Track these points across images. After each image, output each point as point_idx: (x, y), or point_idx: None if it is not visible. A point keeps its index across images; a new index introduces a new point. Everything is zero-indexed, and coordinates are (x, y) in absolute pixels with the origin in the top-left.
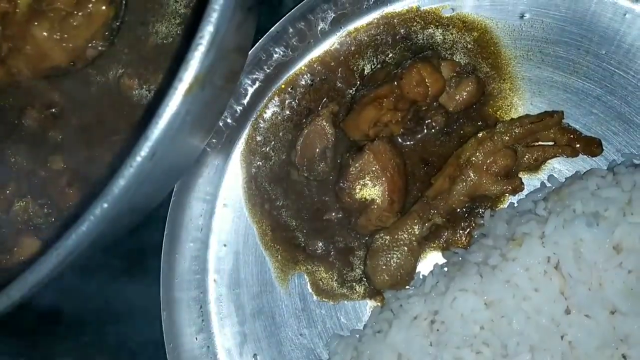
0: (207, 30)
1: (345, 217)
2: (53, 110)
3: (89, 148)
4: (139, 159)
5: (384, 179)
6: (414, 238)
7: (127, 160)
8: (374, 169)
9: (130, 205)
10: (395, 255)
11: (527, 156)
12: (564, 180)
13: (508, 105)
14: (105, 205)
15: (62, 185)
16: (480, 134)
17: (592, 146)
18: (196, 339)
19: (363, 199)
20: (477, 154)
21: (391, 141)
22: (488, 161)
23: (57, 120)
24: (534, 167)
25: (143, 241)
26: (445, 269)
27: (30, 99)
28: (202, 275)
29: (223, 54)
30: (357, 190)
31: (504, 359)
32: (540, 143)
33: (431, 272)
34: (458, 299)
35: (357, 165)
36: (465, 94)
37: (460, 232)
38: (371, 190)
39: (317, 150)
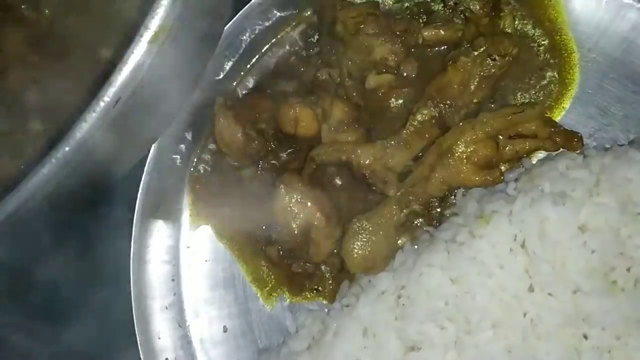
0: None
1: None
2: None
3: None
4: (102, 103)
5: (308, 199)
6: (391, 224)
7: (90, 105)
8: (294, 197)
9: (98, 155)
10: (371, 240)
11: (508, 147)
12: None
13: None
14: (67, 148)
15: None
16: (462, 123)
17: (573, 140)
18: (166, 307)
19: (302, 229)
20: (459, 143)
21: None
22: (469, 150)
23: (37, 83)
24: (516, 160)
25: (118, 209)
26: (416, 246)
27: (11, 62)
28: (175, 243)
29: (195, 13)
30: (293, 225)
31: (466, 334)
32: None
33: (401, 249)
34: (424, 274)
35: (278, 203)
36: None
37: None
38: (304, 216)
39: (239, 136)
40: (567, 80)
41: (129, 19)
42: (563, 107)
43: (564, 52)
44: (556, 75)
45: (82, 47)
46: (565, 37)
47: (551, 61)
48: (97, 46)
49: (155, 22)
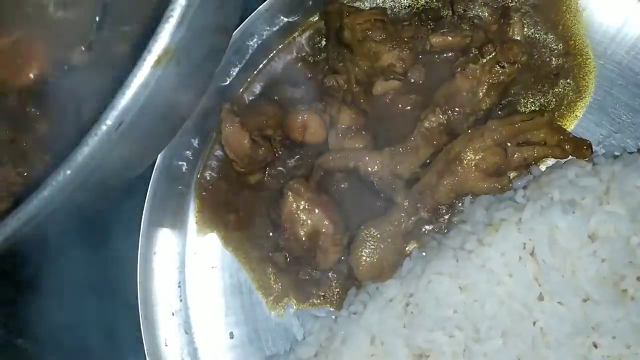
0: (179, 4)
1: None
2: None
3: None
4: (104, 127)
5: (316, 206)
6: (398, 231)
7: (92, 128)
8: (302, 204)
9: (100, 174)
10: (379, 247)
11: (517, 155)
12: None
13: None
14: (69, 171)
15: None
16: (470, 130)
17: (582, 148)
18: (173, 314)
19: (310, 236)
20: (467, 150)
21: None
22: (477, 158)
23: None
24: (524, 167)
25: (125, 216)
26: (424, 253)
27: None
28: (182, 249)
29: (200, 31)
30: (300, 232)
31: (475, 343)
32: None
33: (409, 256)
34: (433, 282)
35: (285, 210)
36: None
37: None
38: (312, 222)
39: (245, 142)
40: (581, 87)
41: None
42: (576, 116)
43: (579, 57)
44: (570, 82)
45: None
46: (580, 42)
47: (566, 66)
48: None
49: (158, 46)
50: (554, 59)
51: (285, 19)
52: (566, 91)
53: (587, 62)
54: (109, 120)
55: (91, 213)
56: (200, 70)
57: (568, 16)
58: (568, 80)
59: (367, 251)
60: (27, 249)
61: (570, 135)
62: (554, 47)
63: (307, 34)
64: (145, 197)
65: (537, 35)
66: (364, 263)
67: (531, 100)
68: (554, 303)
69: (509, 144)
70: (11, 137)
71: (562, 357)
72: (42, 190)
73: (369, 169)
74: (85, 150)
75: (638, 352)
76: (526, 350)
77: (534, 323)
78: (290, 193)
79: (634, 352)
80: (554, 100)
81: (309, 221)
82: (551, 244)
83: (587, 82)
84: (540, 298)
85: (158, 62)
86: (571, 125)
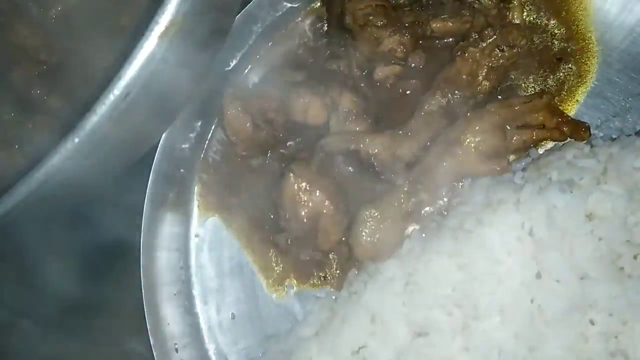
0: None
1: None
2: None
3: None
4: (111, 97)
5: (317, 188)
6: (398, 212)
7: (100, 98)
8: (303, 185)
9: (106, 148)
10: (379, 228)
11: (515, 138)
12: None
13: None
14: (77, 140)
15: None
16: (470, 113)
17: (580, 130)
18: (175, 294)
19: (311, 217)
20: (467, 132)
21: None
22: (477, 140)
23: (44, 78)
24: (523, 150)
25: (128, 198)
26: (423, 234)
27: (19, 57)
28: (184, 231)
29: (205, 7)
30: (301, 213)
31: (474, 320)
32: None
33: (408, 236)
34: (432, 261)
35: (287, 191)
36: None
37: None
38: (313, 204)
39: (247, 125)
40: (582, 72)
41: (137, 15)
42: (577, 100)
43: (581, 42)
44: (572, 67)
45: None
46: (583, 27)
47: (568, 50)
48: (105, 43)
49: (165, 17)
50: (556, 42)
51: (288, 5)
52: (567, 76)
53: (589, 47)
54: (117, 90)
55: (95, 195)
56: (204, 49)
57: (573, 1)
58: (570, 65)
59: (367, 231)
60: (31, 229)
61: (569, 118)
62: (556, 31)
63: (309, 19)
64: (148, 180)
65: (539, 20)
66: (364, 243)
67: (532, 84)
68: (552, 281)
69: (508, 127)
70: (17, 119)
71: (559, 334)
72: (50, 159)
73: (370, 151)
74: (93, 119)
75: (634, 328)
76: (524, 328)
77: (532, 301)
78: (291, 174)
79: (630, 327)
80: (555, 85)
81: (310, 202)
82: (549, 223)
83: (589, 66)
84: (538, 276)
85: (165, 33)
86: (572, 110)
